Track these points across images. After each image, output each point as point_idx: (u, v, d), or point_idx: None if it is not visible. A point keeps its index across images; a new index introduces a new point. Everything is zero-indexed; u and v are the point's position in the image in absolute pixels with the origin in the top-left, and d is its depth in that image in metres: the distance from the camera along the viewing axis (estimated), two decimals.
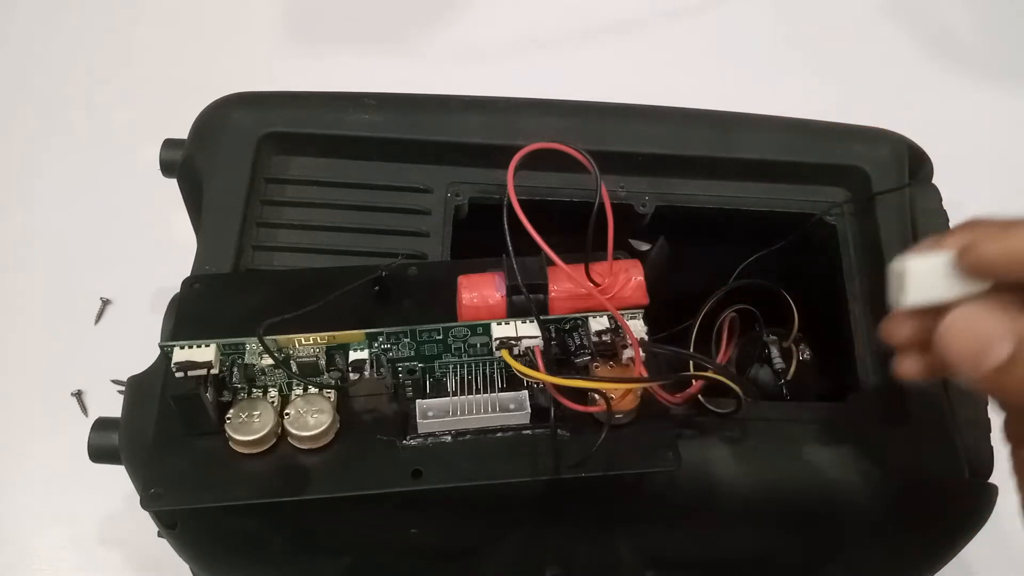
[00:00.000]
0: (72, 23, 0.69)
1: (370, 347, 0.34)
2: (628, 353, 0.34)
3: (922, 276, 0.29)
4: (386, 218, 0.41)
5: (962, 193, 0.47)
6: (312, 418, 0.33)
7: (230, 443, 0.33)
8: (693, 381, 0.36)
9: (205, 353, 0.33)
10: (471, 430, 0.34)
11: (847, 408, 0.38)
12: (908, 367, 0.30)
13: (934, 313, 0.29)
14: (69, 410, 0.55)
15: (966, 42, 0.73)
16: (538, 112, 0.44)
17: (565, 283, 0.34)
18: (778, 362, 0.41)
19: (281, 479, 0.33)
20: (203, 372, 0.33)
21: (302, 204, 0.41)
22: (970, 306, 0.27)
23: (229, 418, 0.33)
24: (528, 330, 0.33)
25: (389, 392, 0.35)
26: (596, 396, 0.33)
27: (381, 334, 0.34)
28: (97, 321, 0.58)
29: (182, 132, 0.44)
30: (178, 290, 0.37)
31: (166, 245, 0.47)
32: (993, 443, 0.38)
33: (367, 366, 0.34)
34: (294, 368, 0.34)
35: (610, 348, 0.34)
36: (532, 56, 0.70)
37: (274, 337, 0.33)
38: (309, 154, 0.42)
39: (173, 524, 0.36)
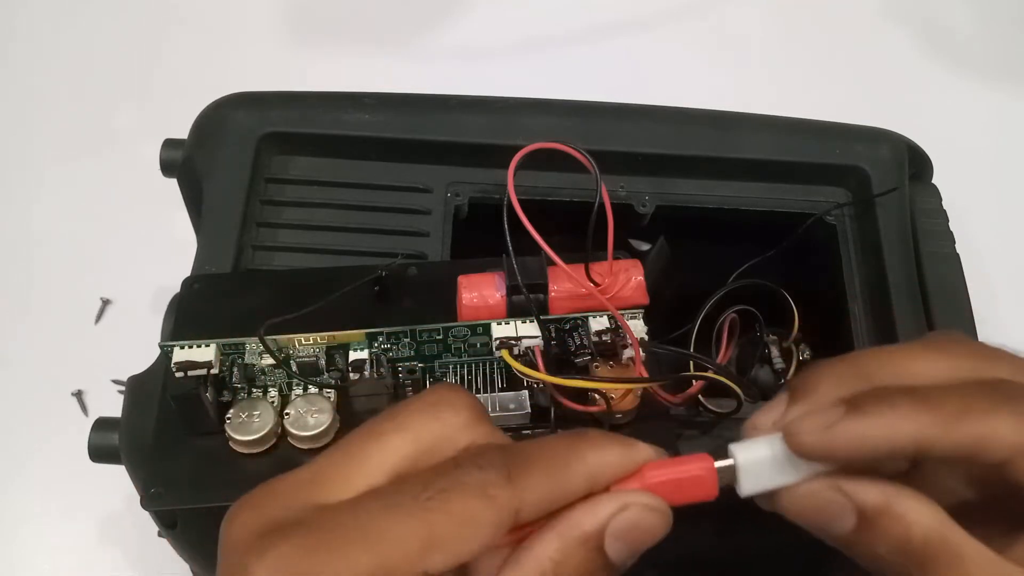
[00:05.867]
0: (72, 23, 0.69)
1: (370, 347, 0.34)
2: (628, 353, 0.33)
3: (751, 467, 0.26)
4: (386, 218, 0.41)
5: (962, 193, 0.47)
6: (312, 418, 0.33)
7: (230, 443, 0.33)
8: (693, 381, 0.36)
9: (205, 353, 0.33)
10: None
11: None
12: None
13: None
14: (69, 410, 0.55)
15: (966, 42, 0.72)
16: (538, 112, 0.44)
17: (565, 283, 0.34)
18: (778, 362, 0.41)
19: None
20: (203, 372, 0.33)
21: (302, 204, 0.41)
22: (810, 483, 0.26)
23: (229, 418, 0.33)
24: (528, 330, 0.33)
25: (389, 392, 0.35)
26: (596, 396, 0.33)
27: (381, 334, 0.34)
28: (97, 321, 0.58)
29: (182, 132, 0.44)
30: (178, 290, 0.37)
31: (166, 245, 0.47)
32: None
33: (367, 366, 0.33)
34: (294, 368, 0.34)
35: (610, 348, 0.34)
36: (532, 56, 0.70)
37: (274, 337, 0.33)
38: (309, 154, 0.42)
39: (173, 524, 0.36)
